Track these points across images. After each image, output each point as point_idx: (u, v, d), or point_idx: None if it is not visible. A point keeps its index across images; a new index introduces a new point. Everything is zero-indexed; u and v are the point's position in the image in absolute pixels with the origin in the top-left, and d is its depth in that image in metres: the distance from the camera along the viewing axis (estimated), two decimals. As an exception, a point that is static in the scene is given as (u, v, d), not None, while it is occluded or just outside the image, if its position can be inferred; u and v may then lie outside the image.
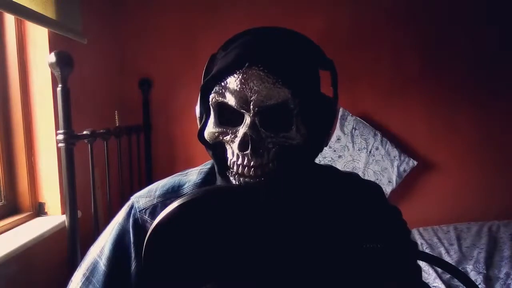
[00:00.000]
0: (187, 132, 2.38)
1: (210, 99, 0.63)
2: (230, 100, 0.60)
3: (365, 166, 2.33)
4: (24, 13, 1.41)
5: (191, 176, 0.72)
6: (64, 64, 1.35)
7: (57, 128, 1.48)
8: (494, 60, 2.37)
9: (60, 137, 1.39)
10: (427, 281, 1.69)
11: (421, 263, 0.80)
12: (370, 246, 0.63)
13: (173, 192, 0.70)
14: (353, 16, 2.37)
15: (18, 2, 1.36)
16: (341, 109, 2.30)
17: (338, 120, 2.28)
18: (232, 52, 0.63)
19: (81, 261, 0.72)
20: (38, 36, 1.59)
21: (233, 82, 0.60)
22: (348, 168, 2.31)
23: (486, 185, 2.42)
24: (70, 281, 0.70)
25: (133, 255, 0.67)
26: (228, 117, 0.62)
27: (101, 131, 1.66)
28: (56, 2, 1.60)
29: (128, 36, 2.36)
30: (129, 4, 2.36)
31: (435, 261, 0.64)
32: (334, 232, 0.65)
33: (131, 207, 0.71)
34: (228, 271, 0.56)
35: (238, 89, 0.60)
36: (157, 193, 0.71)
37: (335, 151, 2.36)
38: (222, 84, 0.61)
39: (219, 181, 0.67)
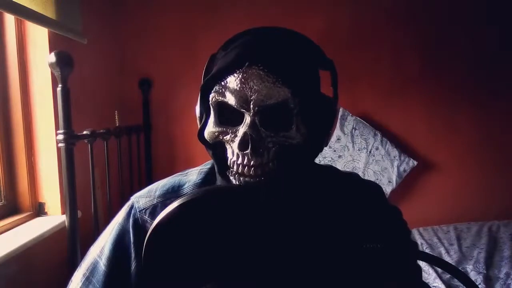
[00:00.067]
0: (187, 132, 2.38)
1: (210, 98, 0.63)
2: (230, 99, 0.60)
3: (365, 166, 2.33)
4: (24, 13, 1.41)
5: (191, 176, 0.72)
6: (64, 64, 1.35)
7: (57, 128, 1.48)
8: (494, 60, 2.37)
9: (60, 137, 1.39)
10: (427, 281, 1.69)
11: (421, 263, 0.80)
12: (370, 246, 0.63)
13: (173, 192, 0.70)
14: (353, 16, 2.37)
15: (18, 2, 1.36)
16: (341, 109, 2.30)
17: (338, 120, 2.28)
18: (232, 52, 0.63)
19: (81, 261, 0.72)
20: (38, 36, 1.59)
21: (233, 81, 0.60)
22: (348, 168, 2.31)
23: (486, 185, 2.42)
24: (70, 281, 0.70)
25: (133, 255, 0.67)
26: (228, 117, 0.62)
27: (101, 131, 1.66)
28: (56, 2, 1.60)
29: (128, 36, 2.36)
30: (129, 4, 2.36)
31: (435, 261, 0.64)
32: (334, 232, 0.65)
33: (131, 207, 0.71)
34: (228, 271, 0.56)
35: (238, 89, 0.60)
36: (157, 193, 0.71)
37: (335, 151, 2.36)
38: (222, 83, 0.61)
39: (219, 181, 0.67)
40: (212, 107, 0.64)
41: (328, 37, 2.23)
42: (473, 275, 1.77)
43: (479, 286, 1.68)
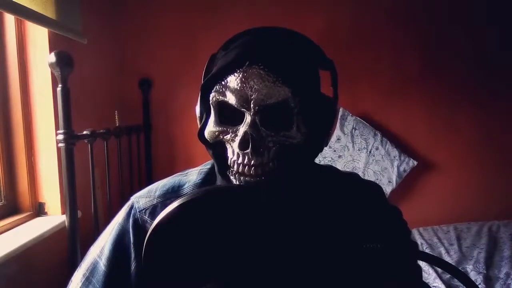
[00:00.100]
0: (187, 132, 2.38)
1: (211, 98, 0.63)
2: (231, 99, 0.60)
3: (365, 166, 2.33)
4: (24, 13, 1.41)
5: (191, 176, 0.72)
6: (64, 64, 1.35)
7: (57, 128, 1.48)
8: (494, 60, 2.37)
9: (60, 137, 1.39)
10: (427, 281, 1.69)
11: (421, 263, 0.80)
12: (370, 246, 0.63)
13: (173, 192, 0.70)
14: (353, 16, 2.37)
15: (18, 2, 1.36)
16: (341, 109, 2.30)
17: (338, 120, 2.28)
18: (233, 52, 0.63)
19: (81, 261, 0.72)
20: (38, 36, 1.59)
21: (233, 81, 0.60)
22: (348, 168, 2.31)
23: (486, 185, 2.42)
24: (70, 281, 0.70)
25: (133, 255, 0.67)
26: (228, 116, 0.62)
27: (101, 131, 1.66)
28: (56, 2, 1.60)
29: (128, 36, 2.36)
30: (129, 4, 2.36)
31: (435, 261, 0.64)
32: (334, 232, 0.65)
33: (131, 207, 0.71)
34: (228, 271, 0.56)
35: (238, 88, 0.60)
36: (157, 193, 0.71)
37: (335, 151, 2.36)
38: (223, 83, 0.61)
39: (219, 181, 0.67)
40: (213, 106, 0.64)
41: (328, 37, 2.23)
42: (473, 275, 1.77)
43: (479, 286, 1.68)
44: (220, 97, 0.62)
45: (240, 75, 0.60)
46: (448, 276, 1.72)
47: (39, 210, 1.64)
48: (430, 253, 1.96)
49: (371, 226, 0.68)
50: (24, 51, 1.58)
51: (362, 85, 2.39)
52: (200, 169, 0.73)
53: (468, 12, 2.36)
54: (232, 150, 0.62)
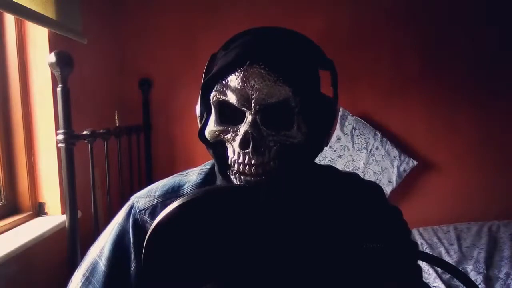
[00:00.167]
0: (187, 132, 2.38)
1: (211, 97, 0.63)
2: (231, 98, 0.60)
3: (365, 166, 2.33)
4: (24, 13, 1.41)
5: (191, 176, 0.72)
6: (64, 64, 1.35)
7: (57, 128, 1.48)
8: (494, 60, 2.37)
9: (60, 137, 1.38)
10: (427, 281, 1.69)
11: (421, 263, 0.80)
12: (370, 246, 0.63)
13: (173, 192, 0.70)
14: (353, 16, 2.37)
15: (18, 2, 1.36)
16: (341, 109, 2.30)
17: (338, 120, 2.28)
18: (233, 51, 0.63)
19: (81, 261, 0.72)
20: (38, 36, 1.59)
21: (234, 80, 0.60)
22: (348, 168, 2.31)
23: (486, 185, 2.42)
24: (70, 281, 0.70)
25: (132, 255, 0.67)
26: (229, 116, 0.62)
27: (101, 131, 1.66)
28: (56, 2, 1.60)
29: (128, 36, 2.36)
30: (129, 4, 2.36)
31: (435, 261, 0.64)
32: (334, 232, 0.65)
33: (131, 207, 0.71)
34: (228, 271, 0.56)
35: (239, 87, 0.60)
36: (157, 193, 0.71)
37: (335, 151, 2.36)
38: (223, 82, 0.61)
39: (219, 181, 0.67)
40: (213, 106, 0.64)
41: (328, 37, 2.23)
42: (473, 275, 1.77)
43: (479, 286, 1.68)
44: (221, 97, 0.62)
45: (241, 75, 0.60)
46: (448, 276, 1.72)
47: (39, 210, 1.64)
48: (430, 253, 1.97)
49: (371, 226, 0.68)
50: (24, 51, 1.58)
51: (362, 85, 2.38)
52: (200, 169, 0.73)
53: (468, 12, 2.36)
54: (233, 150, 0.62)
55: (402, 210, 0.77)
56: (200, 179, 0.71)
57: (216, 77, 0.62)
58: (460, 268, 1.77)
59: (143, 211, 0.69)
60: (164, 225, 0.52)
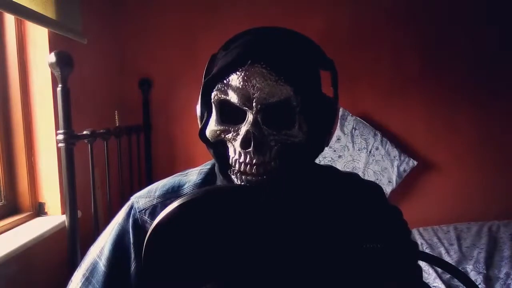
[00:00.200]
0: (187, 132, 2.38)
1: (212, 96, 0.63)
2: (233, 97, 0.60)
3: (365, 166, 2.33)
4: (24, 13, 1.41)
5: (191, 176, 0.72)
6: (64, 64, 1.35)
7: (57, 128, 1.48)
8: (494, 60, 2.37)
9: (60, 137, 1.38)
10: (427, 281, 1.69)
11: (421, 263, 0.80)
12: (370, 246, 0.63)
13: (173, 193, 0.70)
14: (353, 16, 2.37)
15: (18, 2, 1.36)
16: (341, 109, 2.30)
17: (338, 120, 2.28)
18: (234, 51, 0.63)
19: (81, 261, 0.72)
20: (38, 36, 1.59)
21: (235, 79, 0.60)
22: (348, 168, 2.31)
23: (486, 185, 2.42)
24: (70, 282, 0.70)
25: (132, 255, 0.67)
26: (230, 115, 0.62)
27: (101, 131, 1.66)
28: (56, 2, 1.60)
29: (128, 36, 2.36)
30: (129, 4, 2.36)
31: (435, 261, 0.64)
32: (334, 232, 0.65)
33: (131, 207, 0.71)
34: (228, 271, 0.56)
35: (240, 87, 0.60)
36: (157, 193, 0.71)
37: (335, 151, 2.36)
38: (225, 81, 0.61)
39: (219, 181, 0.67)
40: (214, 105, 0.64)
41: (328, 37, 2.23)
42: (473, 275, 1.77)
43: (479, 286, 1.68)
44: (222, 96, 0.62)
45: (242, 74, 0.60)
46: (448, 276, 1.72)
47: (39, 210, 1.64)
48: (430, 253, 1.96)
49: (371, 226, 0.68)
50: (24, 51, 1.58)
51: (362, 85, 2.38)
52: (200, 169, 0.73)
53: (468, 12, 2.36)
54: (234, 149, 0.62)
55: (402, 210, 0.77)
56: (200, 179, 0.71)
57: (217, 77, 0.62)
58: (460, 268, 1.77)
59: (143, 211, 0.69)
60: (164, 225, 0.52)
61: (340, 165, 2.30)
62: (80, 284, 0.68)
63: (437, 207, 2.42)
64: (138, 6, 2.35)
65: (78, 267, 0.71)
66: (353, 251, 0.63)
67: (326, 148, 0.70)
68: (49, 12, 1.55)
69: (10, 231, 1.45)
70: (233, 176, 0.62)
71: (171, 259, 0.54)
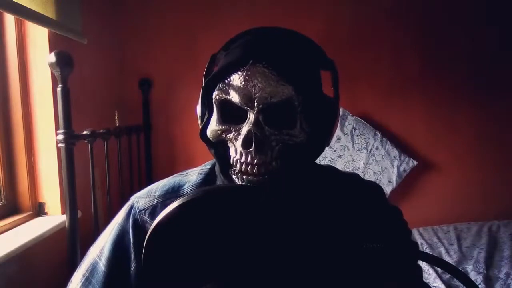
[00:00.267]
0: (187, 132, 2.38)
1: (214, 96, 0.63)
2: (234, 97, 0.60)
3: (365, 166, 2.33)
4: (24, 13, 1.41)
5: (191, 177, 0.72)
6: (64, 64, 1.35)
7: (57, 128, 1.48)
8: (494, 60, 2.37)
9: (60, 137, 1.38)
10: (427, 281, 1.69)
11: (421, 263, 0.80)
12: (370, 246, 0.63)
13: (173, 193, 0.70)
14: (353, 16, 2.37)
15: (18, 2, 1.36)
16: (341, 109, 2.30)
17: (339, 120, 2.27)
18: (235, 51, 0.63)
19: (81, 261, 0.72)
20: (38, 36, 1.59)
21: (237, 79, 0.60)
22: (348, 168, 2.31)
23: (486, 185, 2.42)
24: (69, 282, 0.70)
25: (132, 255, 0.67)
26: (231, 115, 0.62)
27: (101, 131, 1.66)
28: (56, 2, 1.60)
29: (128, 36, 2.36)
30: (129, 4, 2.36)
31: (435, 261, 0.64)
32: (334, 232, 0.65)
33: (131, 207, 0.71)
34: (228, 271, 0.56)
35: (242, 86, 0.60)
36: (157, 193, 0.71)
37: (335, 151, 2.36)
38: (226, 81, 0.61)
39: (220, 181, 0.67)
40: (215, 105, 0.63)
41: (328, 37, 2.23)
42: (473, 275, 1.77)
43: (479, 286, 1.68)
44: (224, 96, 0.62)
45: (244, 74, 0.60)
46: (448, 276, 1.72)
47: (39, 210, 1.64)
48: (430, 253, 1.96)
49: (371, 226, 0.68)
50: (24, 51, 1.58)
51: (362, 85, 2.38)
52: (200, 169, 0.73)
53: (468, 12, 2.36)
54: (235, 149, 0.61)
55: (402, 210, 0.77)
56: (200, 179, 0.71)
57: (218, 77, 0.62)
58: (460, 268, 1.77)
59: (143, 211, 0.69)
60: (164, 225, 0.52)
61: (340, 165, 2.30)
62: (80, 284, 0.67)
63: (437, 207, 2.42)
64: (138, 6, 2.35)
65: (78, 267, 0.71)
66: (353, 251, 0.63)
67: (326, 148, 0.70)
68: (49, 12, 1.55)
69: (10, 231, 1.45)
70: (234, 176, 0.62)
71: (171, 259, 0.54)
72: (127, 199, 0.73)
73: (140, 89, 2.37)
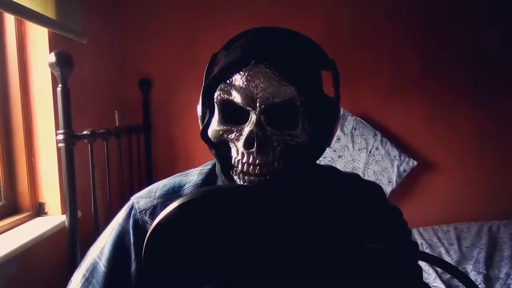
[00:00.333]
0: (187, 132, 2.38)
1: (215, 96, 0.63)
2: (236, 97, 0.60)
3: (365, 166, 2.33)
4: (24, 13, 1.41)
5: (192, 177, 0.72)
6: (64, 64, 1.35)
7: (57, 128, 1.48)
8: (494, 60, 2.37)
9: (60, 137, 1.38)
10: (427, 281, 1.69)
11: (421, 263, 0.80)
12: (370, 246, 0.63)
13: (173, 193, 0.70)
14: (353, 16, 2.37)
15: (18, 2, 1.36)
16: (341, 109, 2.30)
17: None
18: (236, 51, 0.63)
19: (81, 261, 0.72)
20: (38, 36, 1.59)
21: (239, 79, 0.60)
22: (348, 168, 2.31)
23: (486, 185, 2.42)
24: (69, 282, 0.70)
25: (133, 256, 0.67)
26: (232, 115, 0.62)
27: (101, 131, 1.66)
28: (56, 2, 1.60)
29: (128, 36, 2.36)
30: (129, 4, 2.36)
31: (435, 261, 0.64)
32: (335, 232, 0.65)
33: (131, 207, 0.71)
34: (228, 271, 0.56)
35: (244, 86, 0.60)
36: (157, 193, 0.71)
37: (335, 151, 2.36)
38: (228, 81, 0.61)
39: (221, 181, 0.67)
40: (217, 105, 0.63)
41: (328, 37, 2.23)
42: (473, 275, 1.77)
43: (479, 286, 1.68)
44: (225, 96, 0.61)
45: (246, 74, 0.60)
46: (448, 276, 1.72)
47: (39, 210, 1.64)
48: (430, 253, 1.96)
49: (371, 226, 0.68)
50: (24, 51, 1.58)
51: (362, 85, 2.38)
52: (201, 170, 0.73)
53: (468, 12, 2.36)
54: (237, 150, 0.61)
55: (402, 210, 0.77)
56: (200, 180, 0.71)
57: (219, 77, 0.62)
58: (460, 268, 1.77)
59: (143, 212, 0.69)
60: (164, 225, 0.52)
61: (340, 165, 2.30)
62: (80, 285, 0.67)
63: (437, 207, 2.42)
64: (138, 6, 2.35)
65: (78, 268, 0.71)
66: (353, 251, 0.63)
67: (326, 148, 0.70)
68: (49, 12, 1.55)
69: (10, 231, 1.45)
70: (235, 177, 0.62)
71: (171, 259, 0.54)
72: (127, 199, 0.73)
73: (140, 89, 2.37)
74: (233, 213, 0.54)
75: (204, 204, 0.53)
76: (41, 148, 1.61)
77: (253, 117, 0.60)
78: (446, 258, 1.92)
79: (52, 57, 1.33)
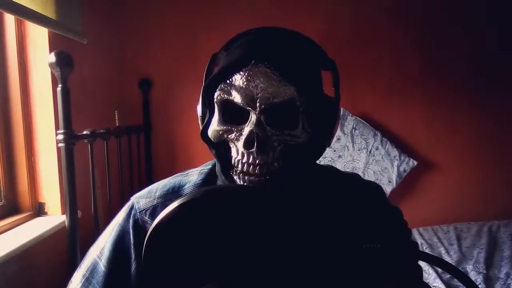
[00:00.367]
0: (187, 132, 2.38)
1: (215, 96, 0.63)
2: (236, 97, 0.60)
3: (365, 166, 2.33)
4: (24, 13, 1.41)
5: (192, 177, 0.72)
6: (64, 64, 1.35)
7: (57, 128, 1.48)
8: (494, 60, 2.37)
9: (60, 137, 1.38)
10: (427, 281, 1.69)
11: (421, 263, 0.80)
12: (370, 246, 0.62)
13: (173, 193, 0.70)
14: (353, 16, 2.37)
15: (18, 2, 1.36)
16: (341, 109, 2.30)
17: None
18: (236, 51, 0.63)
19: (81, 261, 0.72)
20: (38, 36, 1.59)
21: (239, 79, 0.60)
22: (348, 168, 2.31)
23: (486, 185, 2.42)
24: (69, 282, 0.70)
25: (133, 256, 0.67)
26: (232, 115, 0.62)
27: (101, 131, 1.66)
28: (56, 2, 1.60)
29: (128, 36, 2.36)
30: (129, 4, 2.36)
31: (435, 261, 0.64)
32: (335, 232, 0.65)
33: (131, 207, 0.71)
34: (228, 271, 0.56)
35: (244, 86, 0.60)
36: (157, 193, 0.71)
37: (335, 151, 2.36)
38: (228, 81, 0.61)
39: (221, 181, 0.67)
40: (217, 105, 0.63)
41: (328, 37, 2.23)
42: (473, 275, 1.77)
43: (479, 286, 1.68)
44: (225, 96, 0.61)
45: (246, 74, 0.60)
46: (448, 276, 1.72)
47: (39, 210, 1.64)
48: (430, 253, 1.96)
49: (371, 226, 0.68)
50: (24, 51, 1.58)
51: (362, 85, 2.38)
52: (201, 170, 0.73)
53: (468, 12, 2.36)
54: (237, 150, 0.61)
55: (402, 210, 0.77)
56: (200, 180, 0.71)
57: (219, 77, 0.62)
58: (460, 268, 1.77)
59: (143, 212, 0.69)
60: (164, 225, 0.52)
61: (340, 165, 2.30)
62: (80, 285, 0.67)
63: (437, 207, 2.43)
64: (138, 6, 2.35)
65: (78, 268, 0.71)
66: (353, 251, 0.63)
67: (326, 148, 0.70)
68: (49, 12, 1.55)
69: (10, 231, 1.45)
70: (235, 177, 0.62)
71: (171, 259, 0.54)
72: (127, 199, 0.73)
73: (140, 89, 2.37)
74: (233, 213, 0.54)
75: (204, 204, 0.53)
76: (41, 148, 1.61)
77: (253, 117, 0.60)
78: (446, 258, 1.92)
79: (52, 57, 1.33)
